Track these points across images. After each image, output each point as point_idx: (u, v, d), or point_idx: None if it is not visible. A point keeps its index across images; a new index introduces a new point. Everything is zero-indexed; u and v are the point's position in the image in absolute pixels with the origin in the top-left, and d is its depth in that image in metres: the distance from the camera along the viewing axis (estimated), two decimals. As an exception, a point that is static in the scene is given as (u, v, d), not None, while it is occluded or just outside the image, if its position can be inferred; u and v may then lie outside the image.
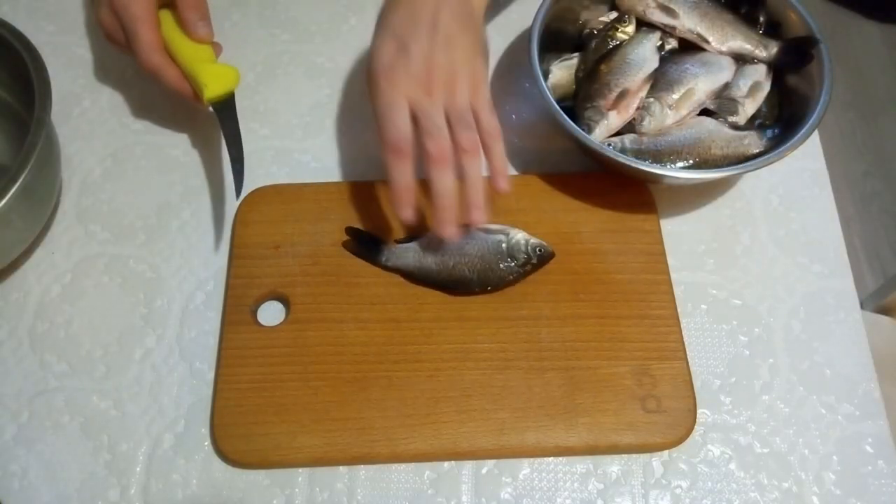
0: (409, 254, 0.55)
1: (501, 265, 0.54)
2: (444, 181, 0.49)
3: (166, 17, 0.58)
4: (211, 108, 0.57)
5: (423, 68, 0.49)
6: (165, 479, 0.50)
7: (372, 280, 0.55)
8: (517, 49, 0.62)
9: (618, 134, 0.58)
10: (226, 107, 0.57)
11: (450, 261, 0.55)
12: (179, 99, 0.58)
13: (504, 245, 0.54)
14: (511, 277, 0.54)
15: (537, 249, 0.54)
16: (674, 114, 0.57)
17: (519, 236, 0.55)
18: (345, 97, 0.66)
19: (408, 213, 0.50)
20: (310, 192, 0.59)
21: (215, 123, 0.64)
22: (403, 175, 0.49)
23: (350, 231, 0.56)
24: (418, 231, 0.56)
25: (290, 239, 0.57)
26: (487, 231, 0.55)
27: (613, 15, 0.63)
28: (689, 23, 0.60)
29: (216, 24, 0.58)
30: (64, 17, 0.71)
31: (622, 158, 0.54)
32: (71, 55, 0.68)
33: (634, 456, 0.51)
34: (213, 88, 0.55)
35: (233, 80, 0.56)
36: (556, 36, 0.62)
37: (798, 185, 0.62)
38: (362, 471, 0.51)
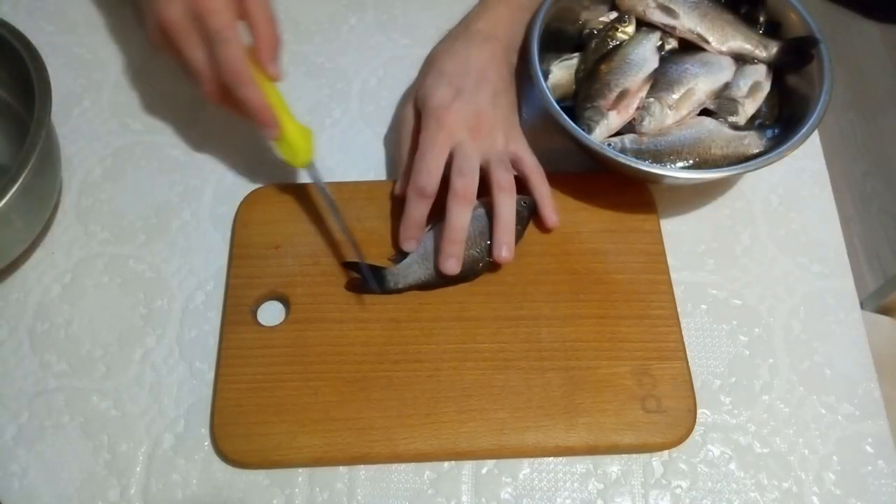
0: (414, 267, 0.54)
1: None
2: (461, 216, 0.52)
3: None
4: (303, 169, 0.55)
5: (473, 113, 0.54)
6: (165, 479, 0.50)
7: (372, 280, 0.56)
8: (517, 49, 0.63)
9: (618, 134, 0.58)
10: (314, 167, 0.55)
11: None
12: (243, 119, 0.53)
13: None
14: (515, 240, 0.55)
15: (522, 202, 0.55)
16: (674, 114, 0.57)
17: None
18: (345, 97, 0.66)
19: (411, 246, 0.54)
20: (310, 192, 0.59)
21: (215, 124, 0.64)
22: (419, 211, 0.53)
23: (349, 265, 0.55)
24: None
25: (290, 239, 0.57)
26: (476, 208, 0.54)
27: (613, 15, 0.63)
28: (689, 23, 0.60)
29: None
30: (64, 17, 0.71)
31: (622, 158, 0.54)
32: (71, 55, 0.68)
33: (634, 456, 0.51)
34: (308, 151, 0.54)
35: (311, 139, 0.55)
36: (556, 36, 0.62)
37: (798, 185, 0.62)
38: (362, 471, 0.51)
